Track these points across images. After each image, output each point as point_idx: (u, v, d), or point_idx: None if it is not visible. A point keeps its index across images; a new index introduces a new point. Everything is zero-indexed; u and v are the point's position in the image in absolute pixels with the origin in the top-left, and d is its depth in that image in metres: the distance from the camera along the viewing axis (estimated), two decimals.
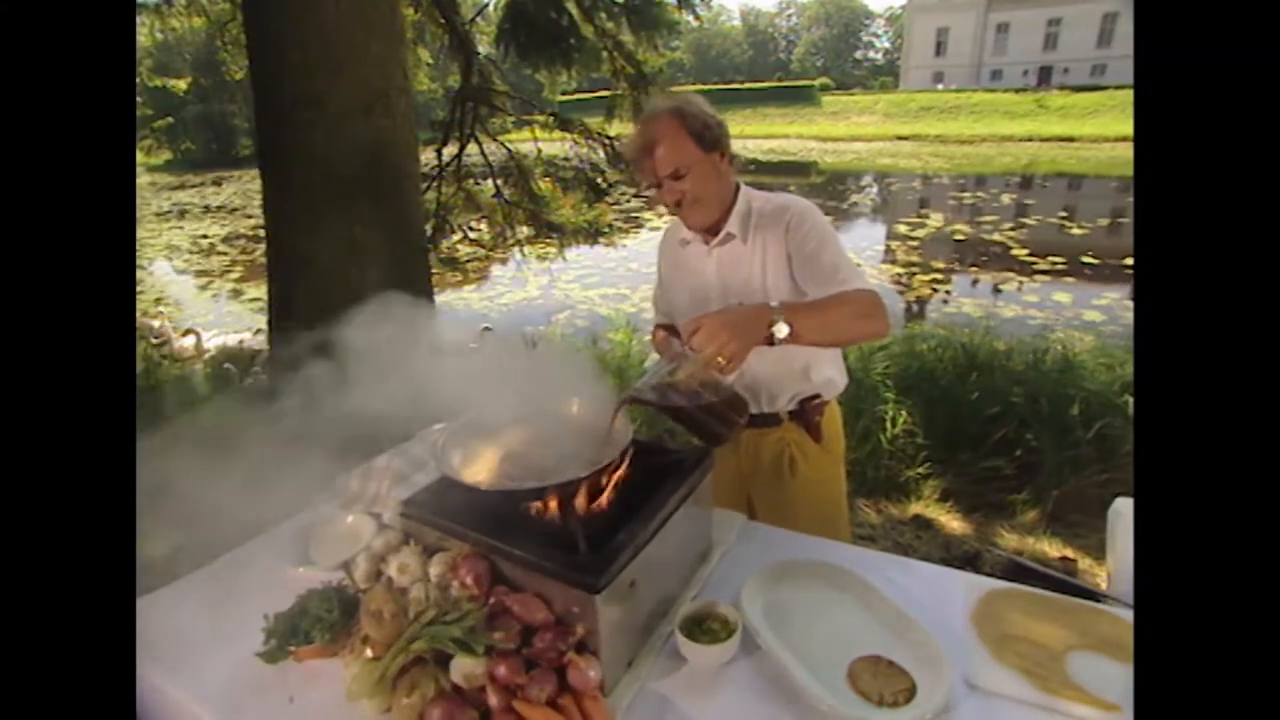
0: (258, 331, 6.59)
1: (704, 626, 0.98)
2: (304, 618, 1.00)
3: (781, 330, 1.07)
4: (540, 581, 0.91)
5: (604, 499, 1.03)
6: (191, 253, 12.30)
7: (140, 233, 15.02)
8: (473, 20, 5.58)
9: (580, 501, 1.00)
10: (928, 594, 1.09)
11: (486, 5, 6.17)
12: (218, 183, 22.74)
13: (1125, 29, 40.65)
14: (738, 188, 1.42)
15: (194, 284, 10.18)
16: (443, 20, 4.96)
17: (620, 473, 1.04)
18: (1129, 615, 1.03)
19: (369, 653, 0.93)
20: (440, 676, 0.88)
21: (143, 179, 26.06)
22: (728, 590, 1.09)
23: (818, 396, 1.46)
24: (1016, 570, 2.29)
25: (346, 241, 2.35)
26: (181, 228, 15.10)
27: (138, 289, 9.97)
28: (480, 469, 1.08)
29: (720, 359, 1.01)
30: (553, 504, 0.99)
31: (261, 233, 2.82)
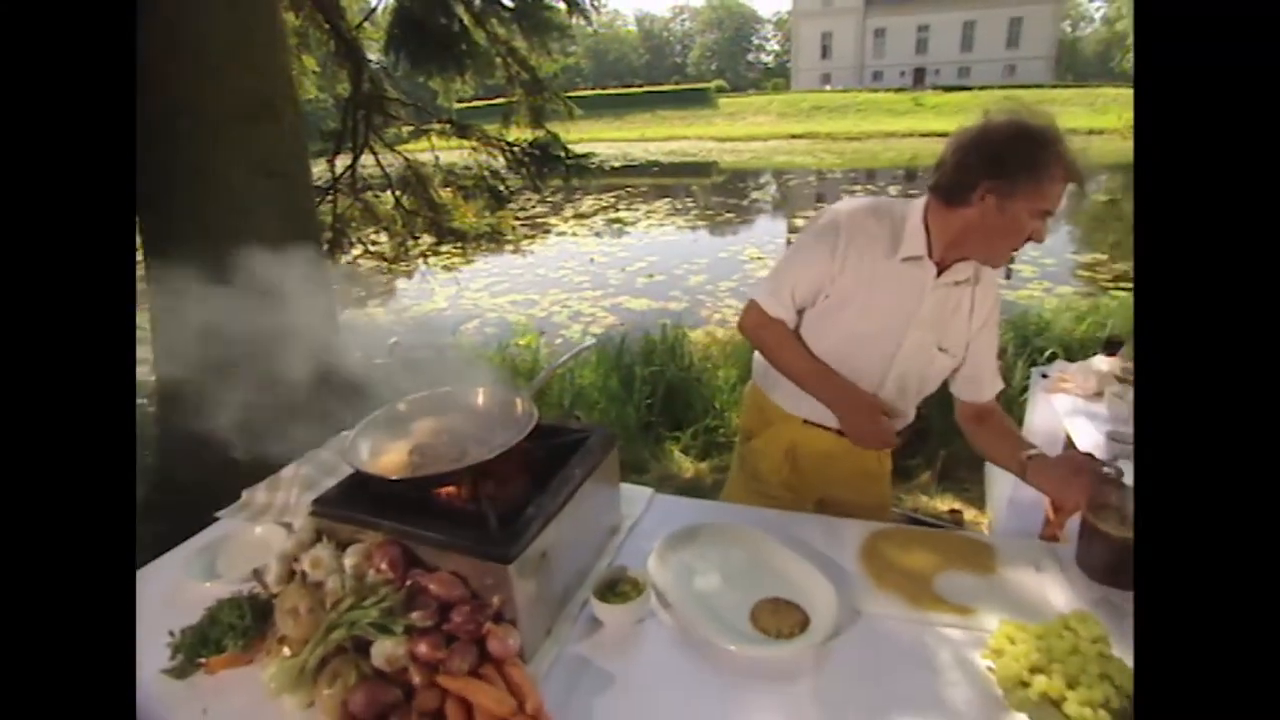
0: (140, 362, 6.11)
1: (616, 590, 1.04)
2: (214, 627, 0.99)
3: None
4: (455, 560, 0.94)
5: (511, 478, 1.07)
6: None
7: None
8: (359, 26, 5.42)
9: (488, 482, 1.04)
10: (821, 542, 1.20)
11: (374, 10, 6.01)
12: None
13: (983, 34, 44.44)
14: None
15: None
16: (327, 26, 4.80)
17: (526, 453, 1.09)
18: (986, 538, 1.18)
19: (286, 652, 0.94)
20: (361, 663, 0.90)
21: None
22: (640, 559, 1.16)
23: None
24: (911, 525, 2.51)
25: (235, 259, 2.25)
26: None
27: None
28: (390, 461, 1.10)
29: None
30: (462, 487, 1.02)
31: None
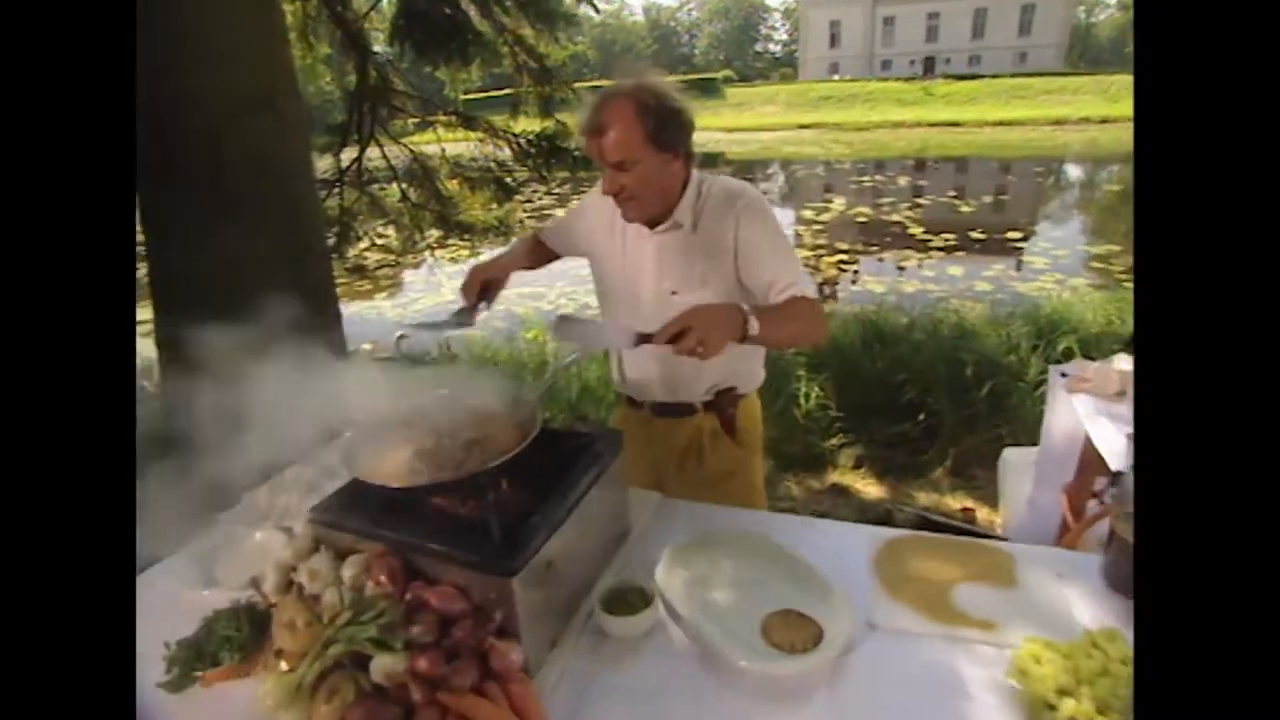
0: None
1: (624, 601, 1.01)
2: (210, 640, 0.96)
3: (754, 328, 1.08)
4: (456, 572, 0.91)
5: (515, 486, 1.04)
6: None
7: None
8: (365, 16, 5.37)
9: (491, 490, 1.01)
10: (833, 549, 1.16)
11: (379, 1, 5.96)
12: None
13: (995, 22, 43.85)
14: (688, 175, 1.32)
15: None
16: (331, 16, 4.76)
17: (530, 459, 1.05)
18: (1005, 547, 1.14)
19: (284, 666, 0.91)
20: (360, 679, 0.87)
21: None
22: (648, 567, 1.13)
23: (734, 389, 1.46)
24: (923, 525, 2.46)
25: (235, 254, 2.22)
26: None
27: None
28: (390, 468, 1.07)
29: (700, 349, 1.01)
30: (464, 495, 0.99)
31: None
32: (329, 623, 0.87)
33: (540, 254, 1.57)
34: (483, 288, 1.36)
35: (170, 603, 1.14)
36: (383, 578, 0.91)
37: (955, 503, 2.83)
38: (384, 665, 0.85)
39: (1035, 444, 2.34)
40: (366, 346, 5.44)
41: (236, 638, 0.96)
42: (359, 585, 0.93)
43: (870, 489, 3.11)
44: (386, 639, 0.85)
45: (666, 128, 1.20)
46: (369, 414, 1.16)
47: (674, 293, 1.34)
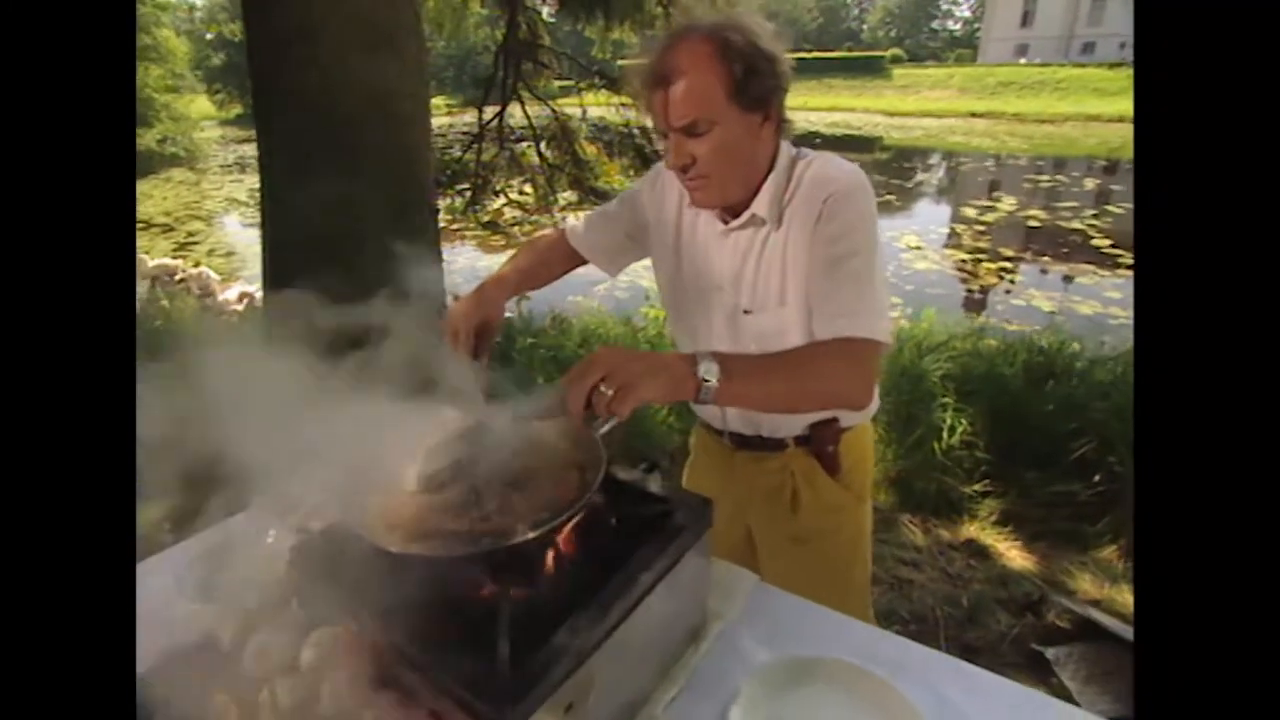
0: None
1: None
2: None
3: (712, 382, 0.78)
4: (437, 697, 0.64)
5: (550, 564, 0.75)
6: (248, 206, 12.48)
7: (204, 185, 15.44)
8: None
9: (517, 570, 0.73)
10: None
11: None
12: None
13: None
14: (776, 149, 1.02)
15: (256, 236, 10.29)
16: None
17: (579, 525, 0.76)
18: None
19: None
20: None
21: (213, 132, 26.84)
22: (721, 689, 0.81)
23: (835, 420, 1.14)
24: (1087, 628, 1.94)
25: (341, 194, 2.10)
26: (241, 181, 15.41)
27: (193, 239, 10.16)
28: (401, 508, 0.82)
29: (603, 388, 0.72)
30: (478, 581, 0.71)
31: None
32: None
33: (561, 265, 1.29)
34: (478, 335, 1.06)
35: (160, 609, 0.98)
36: (342, 682, 0.65)
37: (1130, 597, 2.24)
38: None
39: None
40: None
41: None
42: (319, 675, 0.69)
43: (1014, 555, 2.57)
44: None
45: (756, 77, 0.91)
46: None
47: (746, 311, 1.08)
